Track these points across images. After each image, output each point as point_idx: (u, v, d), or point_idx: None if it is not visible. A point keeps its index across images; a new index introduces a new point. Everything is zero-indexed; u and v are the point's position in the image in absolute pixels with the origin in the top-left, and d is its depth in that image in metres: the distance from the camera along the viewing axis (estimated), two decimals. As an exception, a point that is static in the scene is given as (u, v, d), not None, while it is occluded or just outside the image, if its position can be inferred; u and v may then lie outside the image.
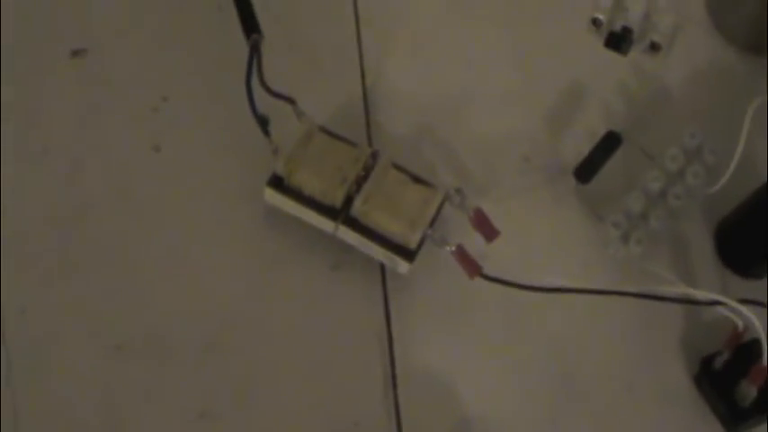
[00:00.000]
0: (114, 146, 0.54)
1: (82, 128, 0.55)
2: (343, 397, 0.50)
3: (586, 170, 0.52)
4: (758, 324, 0.47)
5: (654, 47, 0.54)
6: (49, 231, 0.52)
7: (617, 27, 0.54)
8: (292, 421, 0.49)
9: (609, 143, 0.53)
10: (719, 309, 0.49)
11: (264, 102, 0.49)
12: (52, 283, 0.51)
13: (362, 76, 0.57)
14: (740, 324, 0.49)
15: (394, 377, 0.50)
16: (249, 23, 0.50)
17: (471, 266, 0.47)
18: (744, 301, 0.48)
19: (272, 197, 0.50)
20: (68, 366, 0.49)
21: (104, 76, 0.57)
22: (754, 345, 0.48)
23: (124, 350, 0.49)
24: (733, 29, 0.59)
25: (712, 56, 0.59)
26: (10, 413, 0.47)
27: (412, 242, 0.49)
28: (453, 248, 0.48)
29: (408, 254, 0.49)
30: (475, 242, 0.49)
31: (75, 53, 0.56)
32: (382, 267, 0.52)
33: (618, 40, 0.53)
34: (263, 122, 0.49)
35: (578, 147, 0.54)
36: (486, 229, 0.49)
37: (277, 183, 0.50)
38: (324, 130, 0.51)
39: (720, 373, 0.51)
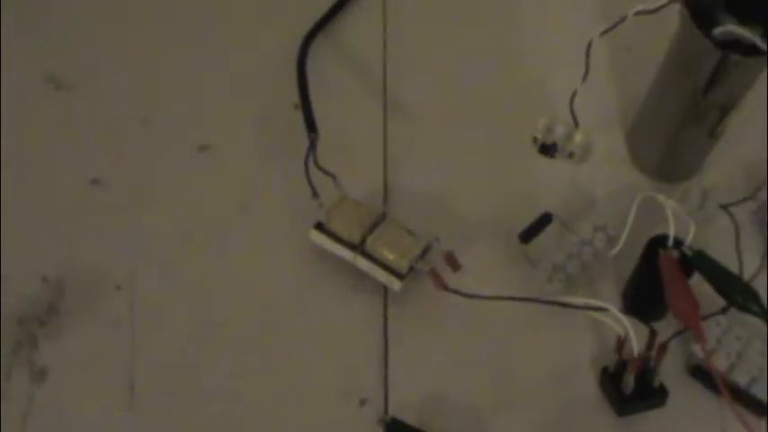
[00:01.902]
0: (214, 202, 0.74)
1: (196, 200, 0.75)
2: (350, 367, 0.66)
3: (526, 235, 0.70)
4: (628, 325, 0.62)
5: (571, 155, 0.73)
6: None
7: (548, 141, 0.74)
8: (315, 379, 0.66)
9: (543, 219, 0.70)
10: (609, 321, 0.64)
11: (316, 177, 0.69)
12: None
13: (384, 169, 0.75)
14: (622, 333, 0.64)
15: (386, 359, 0.67)
16: (310, 125, 0.71)
17: (440, 283, 0.65)
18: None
19: (316, 237, 0.69)
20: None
21: (228, 170, 0.76)
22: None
23: (204, 326, 0.68)
24: (643, 162, 0.76)
25: (627, 178, 0.76)
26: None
27: (402, 268, 0.67)
28: (428, 269, 0.66)
29: (400, 276, 0.67)
30: (447, 276, 0.66)
31: (201, 148, 0.76)
32: (385, 289, 0.69)
33: (547, 149, 0.74)
34: (314, 191, 0.68)
35: (526, 223, 0.72)
36: (453, 263, 0.67)
37: (319, 227, 0.69)
38: (352, 199, 0.71)
39: (614, 375, 0.65)
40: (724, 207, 0.71)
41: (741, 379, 0.64)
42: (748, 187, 0.74)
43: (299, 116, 0.75)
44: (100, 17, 0.84)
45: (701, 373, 0.66)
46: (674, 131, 0.72)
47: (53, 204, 0.73)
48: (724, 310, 0.67)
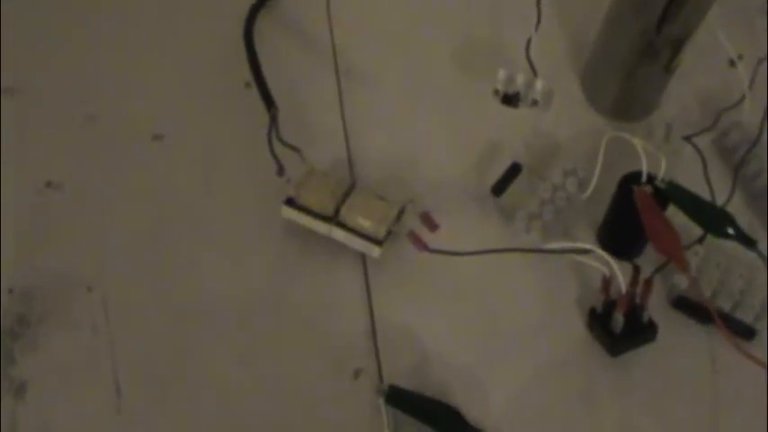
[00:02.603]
0: (177, 190, 0.71)
1: (157, 191, 0.71)
2: (339, 341, 0.64)
3: (498, 187, 0.69)
4: (614, 265, 0.61)
5: (534, 103, 0.72)
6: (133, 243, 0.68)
7: (510, 91, 0.72)
8: (304, 357, 0.64)
9: (513, 169, 0.69)
10: (593, 263, 0.63)
11: (282, 152, 0.67)
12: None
13: (346, 137, 0.73)
14: (607, 272, 0.63)
15: (374, 328, 0.65)
16: (267, 100, 0.69)
17: (420, 244, 0.63)
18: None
19: (287, 213, 0.66)
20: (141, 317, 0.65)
21: (187, 157, 0.72)
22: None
23: (185, 317, 0.65)
24: (600, 103, 0.75)
25: (586, 120, 0.75)
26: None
27: (380, 234, 0.65)
28: (407, 232, 0.64)
29: (378, 242, 0.65)
30: (425, 237, 0.64)
31: (156, 137, 0.73)
32: (363, 258, 0.67)
33: (509, 99, 0.72)
34: (280, 166, 0.66)
35: (496, 178, 0.70)
36: (430, 224, 0.66)
37: (290, 202, 0.67)
38: (320, 170, 0.69)
39: (602, 315, 0.64)
40: (687, 138, 0.71)
41: (725, 305, 0.65)
42: (705, 117, 0.74)
43: (251, 94, 0.73)
44: (33, 18, 0.80)
45: (685, 304, 0.66)
46: (629, 70, 0.72)
47: (8, 212, 0.69)
48: (700, 240, 0.67)
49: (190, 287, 0.66)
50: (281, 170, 0.66)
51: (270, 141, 0.66)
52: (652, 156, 0.64)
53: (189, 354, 0.64)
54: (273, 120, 0.67)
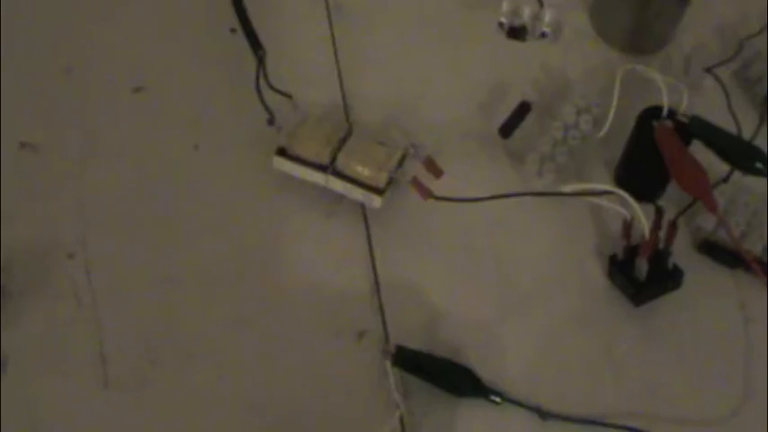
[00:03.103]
0: (162, 145, 0.65)
1: (140, 147, 0.65)
2: (340, 301, 0.59)
3: (506, 128, 0.63)
4: (636, 207, 0.56)
5: (543, 35, 0.66)
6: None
7: (516, 24, 0.66)
8: (304, 320, 0.58)
9: (522, 109, 0.63)
10: (612, 206, 0.58)
11: (272, 99, 0.61)
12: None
13: (340, 80, 0.67)
14: (628, 215, 0.58)
15: (377, 285, 0.59)
16: (254, 42, 0.63)
17: (425, 192, 0.58)
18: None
19: (280, 163, 0.61)
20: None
21: (170, 109, 0.67)
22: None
23: (174, 281, 0.59)
24: (612, 36, 0.70)
25: (597, 54, 0.69)
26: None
27: (381, 182, 0.60)
28: (410, 179, 0.59)
29: (379, 191, 0.60)
30: (429, 185, 0.59)
31: (137, 90, 0.67)
32: (363, 210, 0.62)
33: (516, 33, 0.66)
34: (270, 114, 0.60)
35: (504, 118, 0.64)
36: (434, 170, 0.60)
37: (282, 152, 0.61)
38: (313, 116, 0.63)
39: (624, 262, 0.59)
40: (708, 70, 0.65)
41: (753, 247, 0.59)
42: (724, 48, 0.68)
43: (237, 39, 0.67)
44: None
45: (711, 248, 0.61)
46: (643, 1, 0.66)
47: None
48: (725, 180, 0.61)
49: (178, 249, 0.61)
50: (271, 119, 0.61)
51: (258, 87, 0.61)
52: (671, 89, 0.59)
53: (179, 320, 0.58)
54: (261, 63, 0.61)
